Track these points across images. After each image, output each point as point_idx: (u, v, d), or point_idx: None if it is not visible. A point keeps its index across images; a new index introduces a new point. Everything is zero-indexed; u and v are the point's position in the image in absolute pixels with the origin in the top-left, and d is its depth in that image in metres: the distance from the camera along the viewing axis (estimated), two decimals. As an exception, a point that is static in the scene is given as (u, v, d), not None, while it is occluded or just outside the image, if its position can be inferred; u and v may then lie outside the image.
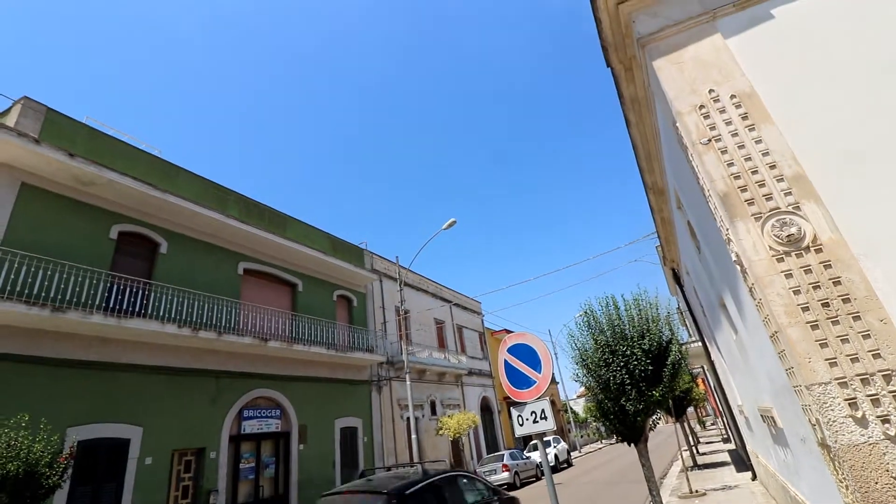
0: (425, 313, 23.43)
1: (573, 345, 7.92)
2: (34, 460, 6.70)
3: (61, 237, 9.45)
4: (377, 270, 20.01)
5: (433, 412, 20.96)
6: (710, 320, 8.86)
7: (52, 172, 9.47)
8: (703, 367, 23.03)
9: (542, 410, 5.05)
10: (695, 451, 17.99)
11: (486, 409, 26.86)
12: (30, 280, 8.51)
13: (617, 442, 41.77)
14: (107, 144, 10.84)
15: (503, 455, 17.42)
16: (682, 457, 12.83)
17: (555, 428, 5.07)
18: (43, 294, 8.59)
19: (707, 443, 28.52)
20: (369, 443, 16.17)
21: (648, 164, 6.76)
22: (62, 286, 8.96)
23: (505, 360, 5.35)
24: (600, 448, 37.50)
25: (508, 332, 33.87)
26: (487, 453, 24.27)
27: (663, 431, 44.89)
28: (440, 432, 19.24)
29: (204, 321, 11.37)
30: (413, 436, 15.57)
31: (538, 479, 19.48)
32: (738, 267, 3.35)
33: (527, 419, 5.15)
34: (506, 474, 16.56)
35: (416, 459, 15.49)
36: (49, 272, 8.84)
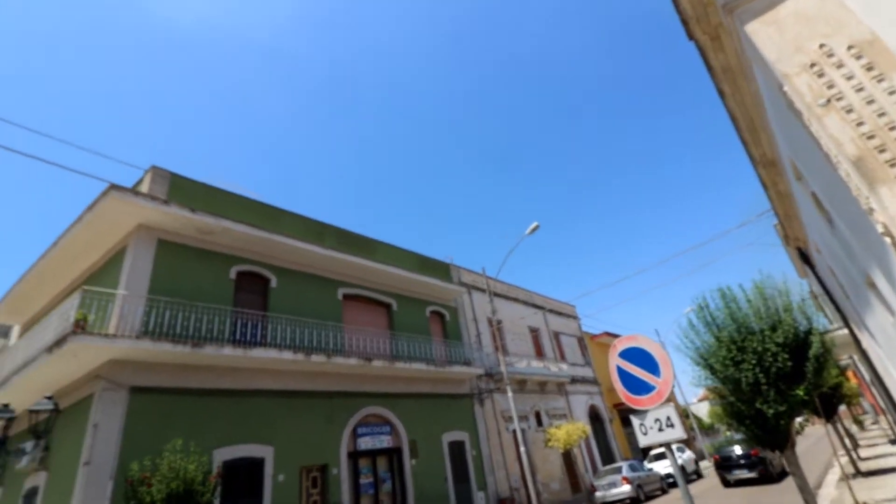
0: (518, 322, 23.06)
1: (689, 344, 7.24)
2: (190, 479, 7.68)
3: (192, 281, 10.88)
4: (465, 283, 20.19)
5: (539, 423, 20.39)
6: (856, 302, 7.56)
7: (179, 227, 10.99)
8: (852, 358, 19.69)
9: (668, 417, 4.64)
10: (854, 456, 15.33)
11: (595, 417, 25.52)
12: (172, 321, 9.91)
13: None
14: (221, 197, 12.35)
15: (621, 467, 16.33)
16: (839, 463, 10.99)
17: (685, 436, 4.62)
18: (183, 332, 9.94)
19: (869, 446, 24.15)
20: (478, 456, 16.16)
21: (753, 135, 6.03)
22: (198, 325, 10.29)
23: (617, 367, 5.02)
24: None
25: (610, 334, 32.03)
26: (602, 465, 22.95)
27: (811, 435, 38.98)
28: (549, 444, 18.62)
29: (314, 346, 12.31)
30: (522, 448, 15.26)
31: (664, 492, 17.95)
32: (888, 239, 2.82)
33: (650, 427, 4.76)
34: (627, 487, 15.49)
35: (526, 473, 15.15)
36: (186, 313, 10.21)
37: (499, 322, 18.19)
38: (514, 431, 18.14)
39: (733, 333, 6.10)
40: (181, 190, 11.52)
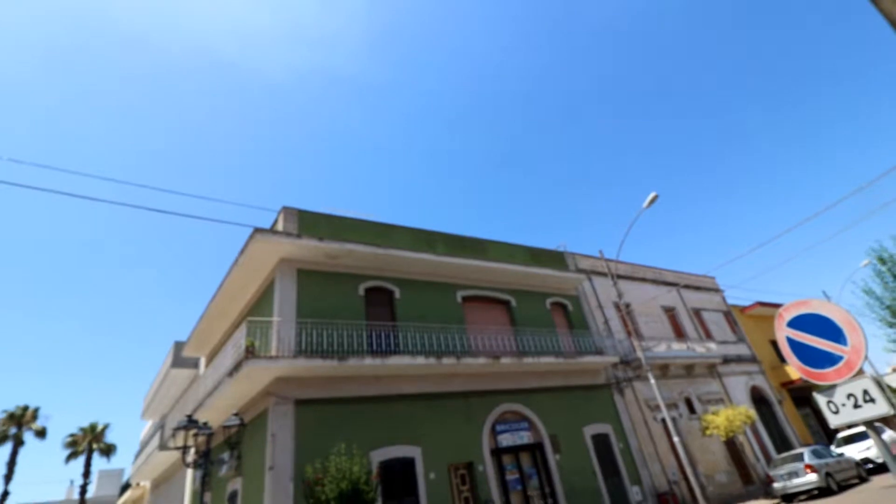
0: (649, 303, 21.28)
1: (875, 302, 5.92)
2: (356, 479, 8.41)
3: (329, 302, 12.02)
4: (583, 270, 19.25)
5: (691, 410, 18.48)
6: None
7: (312, 256, 12.26)
8: None
9: (865, 392, 3.85)
10: None
11: (759, 400, 22.36)
12: (319, 339, 11.05)
13: None
14: (341, 223, 13.52)
15: (802, 453, 13.99)
16: None
17: (890, 411, 3.77)
18: (329, 348, 11.02)
19: None
20: (626, 449, 15.16)
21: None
22: (340, 340, 11.34)
23: (788, 338, 4.29)
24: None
25: (764, 304, 27.99)
26: (776, 453, 19.94)
27: None
28: (707, 432, 16.75)
29: (442, 349, 12.74)
30: (675, 438, 13.95)
31: (863, 480, 14.96)
32: None
33: (842, 405, 3.99)
34: (813, 476, 13.19)
35: (684, 465, 13.78)
36: (329, 331, 11.31)
37: (627, 305, 16.98)
38: (664, 420, 16.68)
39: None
40: (308, 223, 12.87)
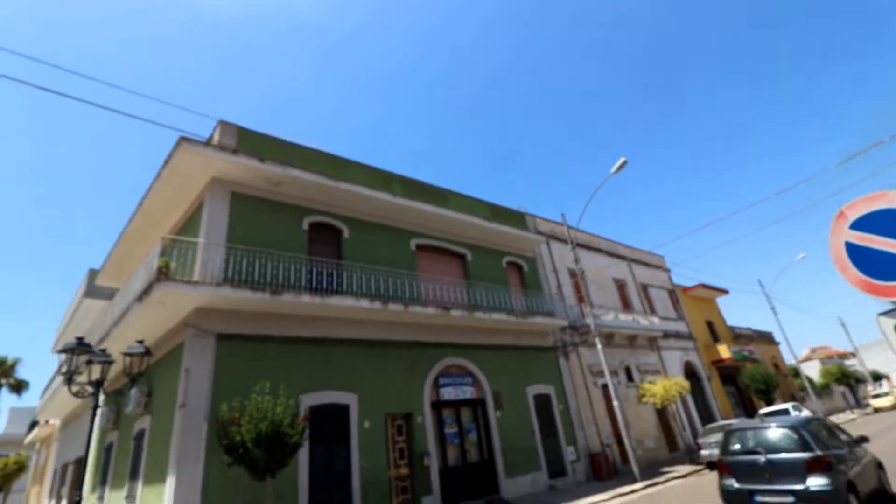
0: (602, 273, 21.33)
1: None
2: (279, 420, 7.49)
3: (266, 233, 10.71)
4: (542, 233, 18.80)
5: (630, 379, 18.91)
6: None
7: (250, 179, 10.80)
8: None
9: None
10: None
11: (691, 375, 23.38)
12: (250, 269, 9.82)
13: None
14: (287, 149, 12.01)
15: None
16: None
17: None
18: (262, 280, 9.83)
19: None
20: (565, 411, 15.20)
21: None
22: (275, 273, 10.15)
23: (847, 243, 3.46)
24: (854, 419, 29.55)
25: (707, 287, 29.16)
26: (703, 425, 21.03)
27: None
28: (643, 400, 17.17)
29: (390, 295, 11.85)
30: (615, 402, 14.05)
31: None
32: None
33: None
34: (739, 445, 13.74)
35: (621, 429, 13.96)
36: (263, 261, 10.09)
37: (581, 272, 16.72)
38: (605, 386, 16.90)
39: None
40: (249, 142, 11.29)
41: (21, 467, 29.84)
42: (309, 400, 9.65)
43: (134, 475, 9.87)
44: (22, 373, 33.53)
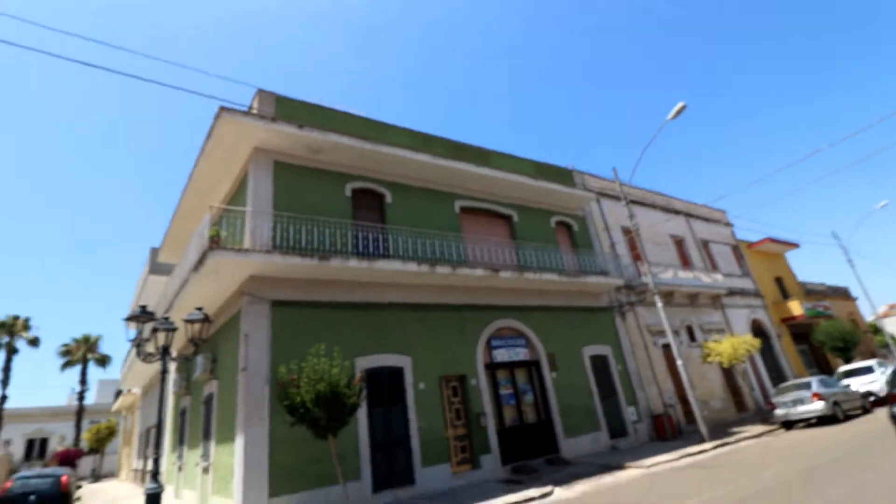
0: (658, 230, 20.09)
1: None
2: (335, 382, 7.52)
3: (310, 202, 10.65)
4: (591, 190, 17.80)
5: (692, 339, 17.94)
6: None
7: (290, 147, 10.70)
8: None
9: None
10: None
11: (759, 334, 21.90)
12: (297, 236, 9.83)
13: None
14: (326, 115, 11.80)
15: (810, 382, 13.46)
16: None
17: None
18: (309, 246, 9.83)
19: None
20: (624, 371, 14.63)
21: None
22: (321, 238, 10.12)
23: None
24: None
25: (774, 241, 27.03)
26: (773, 385, 19.77)
27: None
28: (708, 360, 16.22)
29: (437, 258, 11.61)
30: (679, 362, 13.33)
31: (867, 411, 14.65)
32: None
33: None
34: (819, 405, 12.73)
35: (686, 389, 13.28)
36: (309, 227, 10.07)
37: (636, 229, 15.72)
38: (667, 346, 16.11)
39: None
40: (288, 110, 11.17)
41: (112, 432, 33.11)
42: (363, 363, 9.70)
43: (207, 436, 10.44)
44: (104, 348, 36.84)
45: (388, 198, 12.11)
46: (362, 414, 9.24)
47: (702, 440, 12.47)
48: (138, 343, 7.57)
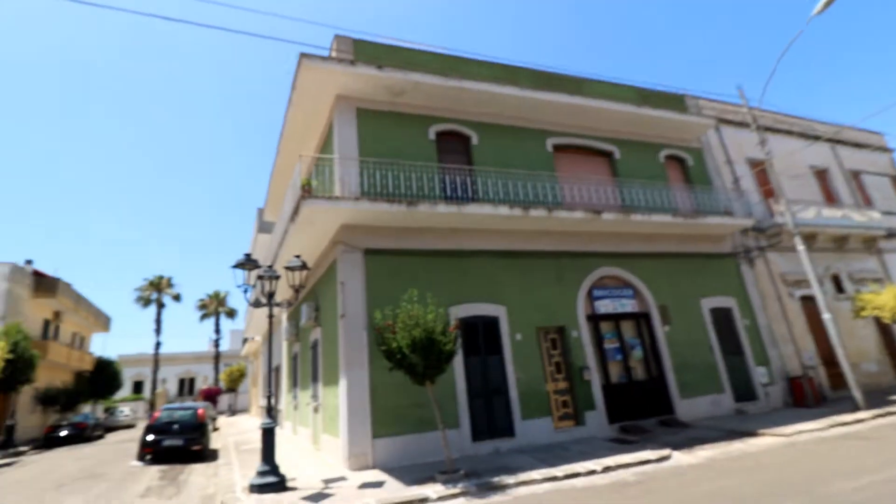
0: (794, 160, 16.80)
1: None
2: (431, 328, 7.21)
3: (394, 147, 10.24)
4: (708, 117, 15.20)
5: (839, 289, 15.09)
6: None
7: (371, 91, 10.28)
8: None
9: None
10: None
11: (930, 282, 17.85)
12: (384, 181, 9.54)
13: None
14: (404, 55, 11.15)
15: None
16: None
17: None
18: (396, 192, 9.51)
19: None
20: (752, 326, 12.72)
21: None
22: (408, 183, 9.74)
23: None
24: None
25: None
26: (949, 344, 16.12)
27: None
28: (861, 314, 13.52)
29: (531, 200, 10.69)
30: (826, 315, 11.20)
31: None
32: None
33: None
34: None
35: (836, 348, 11.17)
36: (395, 173, 9.71)
37: (769, 159, 13.15)
38: (806, 298, 13.70)
39: None
40: (366, 53, 10.72)
41: (242, 374, 38.03)
42: (457, 312, 9.36)
43: (315, 378, 11.05)
44: (231, 302, 41.95)
45: (474, 139, 11.29)
46: (458, 362, 9.00)
47: (855, 408, 10.49)
48: (245, 289, 7.92)
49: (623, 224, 11.23)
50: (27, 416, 22.26)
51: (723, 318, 12.42)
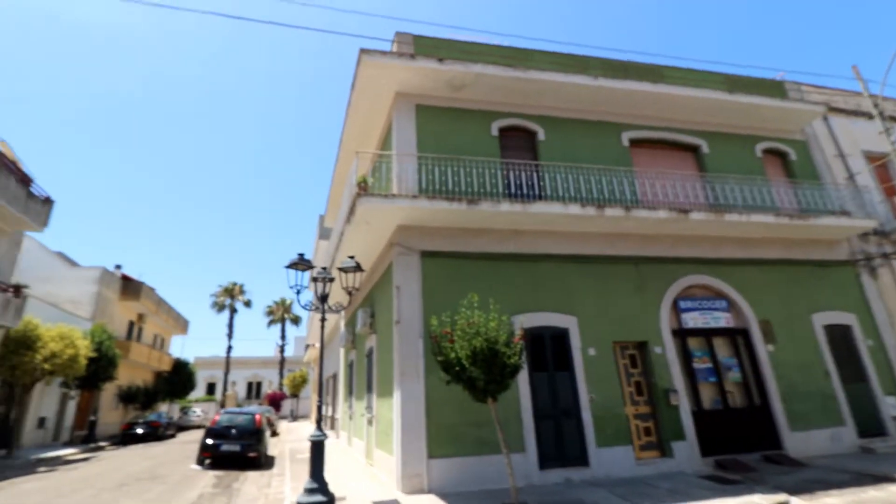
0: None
1: None
2: (493, 338, 6.38)
3: (455, 144, 9.61)
4: (815, 104, 13.18)
5: None
6: None
7: (431, 87, 9.75)
8: None
9: None
10: None
11: None
12: (443, 178, 8.91)
13: None
14: (465, 49, 10.59)
15: None
16: None
17: None
18: (456, 189, 8.85)
19: None
20: (877, 348, 10.59)
21: None
22: (469, 180, 9.04)
23: None
24: None
25: None
26: None
27: None
28: None
29: (606, 198, 9.59)
30: None
31: None
32: None
33: None
34: None
35: None
36: (455, 168, 9.06)
37: (895, 145, 11.02)
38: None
39: None
40: (426, 49, 10.29)
41: (304, 380, 38.96)
42: (521, 321, 8.40)
43: (369, 388, 10.54)
44: (296, 309, 43.46)
45: (541, 135, 10.40)
46: (523, 378, 8.06)
47: None
48: (297, 290, 7.57)
49: (715, 225, 9.78)
50: (109, 413, 23.95)
51: (840, 338, 10.43)
